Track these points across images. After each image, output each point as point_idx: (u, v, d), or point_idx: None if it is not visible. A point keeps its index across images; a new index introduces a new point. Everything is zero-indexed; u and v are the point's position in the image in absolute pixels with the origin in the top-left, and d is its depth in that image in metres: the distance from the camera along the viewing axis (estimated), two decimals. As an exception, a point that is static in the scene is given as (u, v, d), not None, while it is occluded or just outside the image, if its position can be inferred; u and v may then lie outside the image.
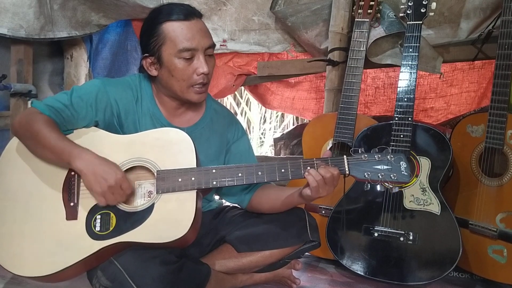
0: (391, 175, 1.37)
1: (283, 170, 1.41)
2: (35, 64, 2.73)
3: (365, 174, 1.38)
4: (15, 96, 2.60)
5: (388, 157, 1.39)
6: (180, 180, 1.38)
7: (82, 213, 1.37)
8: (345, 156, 1.41)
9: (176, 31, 1.45)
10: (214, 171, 1.41)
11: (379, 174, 1.38)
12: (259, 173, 1.41)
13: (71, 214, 1.37)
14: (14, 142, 1.45)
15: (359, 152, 1.42)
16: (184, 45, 1.44)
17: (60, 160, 1.36)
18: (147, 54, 1.51)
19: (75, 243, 1.33)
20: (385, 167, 1.38)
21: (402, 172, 1.37)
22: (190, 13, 1.47)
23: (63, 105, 1.42)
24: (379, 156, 1.39)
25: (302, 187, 1.45)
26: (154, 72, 1.52)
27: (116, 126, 1.52)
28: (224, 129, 1.68)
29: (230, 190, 1.67)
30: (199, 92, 1.51)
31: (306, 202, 1.47)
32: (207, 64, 1.48)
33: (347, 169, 1.39)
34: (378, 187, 1.91)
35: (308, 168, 1.39)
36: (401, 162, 1.38)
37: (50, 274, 1.31)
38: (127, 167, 1.41)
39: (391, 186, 1.43)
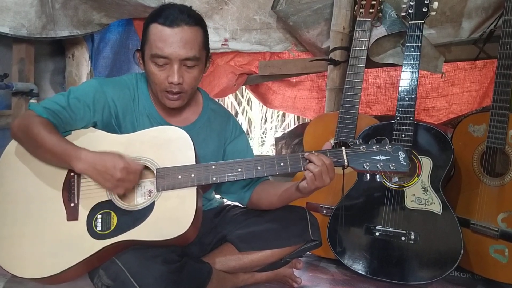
0: (390, 165, 1.38)
1: (282, 164, 1.41)
2: (37, 63, 2.72)
3: (364, 165, 1.39)
4: (17, 95, 2.60)
5: (386, 147, 1.40)
6: (180, 177, 1.38)
7: (83, 213, 1.37)
8: (343, 148, 1.42)
9: (155, 35, 1.43)
10: (213, 167, 1.41)
11: (378, 165, 1.39)
12: (259, 167, 1.41)
13: (72, 214, 1.37)
14: (13, 144, 1.45)
15: (357, 144, 1.42)
16: (156, 51, 1.42)
17: (61, 162, 1.37)
18: (139, 48, 1.53)
19: (76, 243, 1.33)
20: (384, 157, 1.39)
21: (401, 162, 1.38)
22: (178, 20, 1.41)
23: (60, 107, 1.42)
24: (377, 147, 1.40)
25: (299, 181, 1.44)
26: (142, 67, 1.54)
27: (114, 126, 1.52)
28: (222, 128, 1.68)
29: (230, 189, 1.67)
30: (171, 99, 1.50)
31: (303, 196, 1.47)
32: (180, 74, 1.44)
33: (346, 161, 1.40)
34: (379, 185, 1.92)
35: (307, 160, 1.40)
36: (399, 152, 1.39)
37: (52, 275, 1.31)
38: None
39: (389, 182, 1.43)
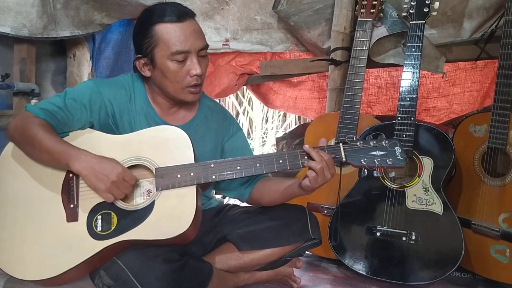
0: (387, 160, 1.40)
1: (281, 161, 1.42)
2: (38, 63, 2.73)
3: (362, 160, 1.41)
4: (18, 95, 2.60)
5: (383, 143, 1.42)
6: (179, 176, 1.38)
7: (83, 214, 1.37)
8: (341, 144, 1.43)
9: (169, 33, 1.43)
10: (212, 165, 1.41)
11: (375, 160, 1.40)
12: (257, 165, 1.42)
13: (72, 215, 1.37)
14: (10, 147, 1.45)
15: (354, 140, 1.43)
16: (177, 48, 1.43)
17: (58, 163, 1.37)
18: (140, 55, 1.50)
19: (77, 244, 1.33)
20: (381, 152, 1.41)
21: (398, 157, 1.40)
22: (183, 14, 1.45)
23: (57, 108, 1.42)
24: (374, 142, 1.42)
25: (301, 179, 1.45)
26: (147, 73, 1.52)
27: (112, 126, 1.52)
28: (219, 125, 1.69)
29: (230, 185, 1.67)
30: (194, 93, 1.51)
31: (306, 193, 1.48)
32: (200, 65, 1.47)
33: (343, 156, 1.41)
34: (380, 185, 1.92)
35: (305, 157, 1.41)
36: (396, 147, 1.41)
37: (53, 277, 1.31)
38: (126, 167, 1.41)
39: (386, 177, 1.44)
